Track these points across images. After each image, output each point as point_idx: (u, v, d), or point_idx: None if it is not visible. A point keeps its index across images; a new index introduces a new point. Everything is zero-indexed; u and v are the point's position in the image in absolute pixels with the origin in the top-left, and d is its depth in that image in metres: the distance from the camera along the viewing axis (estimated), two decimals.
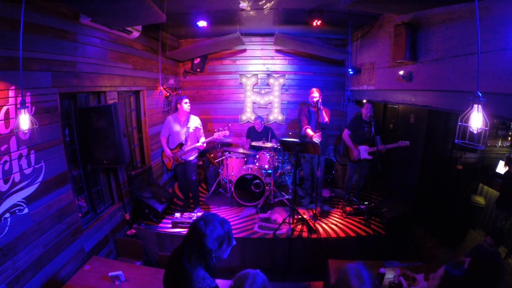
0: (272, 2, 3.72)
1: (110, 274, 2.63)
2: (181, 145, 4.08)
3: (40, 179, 2.48)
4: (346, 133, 4.54)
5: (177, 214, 3.97)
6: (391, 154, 4.93)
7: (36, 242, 2.42)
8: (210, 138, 4.21)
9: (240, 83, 6.11)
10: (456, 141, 1.89)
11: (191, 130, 4.10)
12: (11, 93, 2.20)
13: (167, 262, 1.64)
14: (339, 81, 6.03)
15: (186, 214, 3.99)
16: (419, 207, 4.19)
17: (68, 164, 2.90)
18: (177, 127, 4.10)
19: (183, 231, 3.82)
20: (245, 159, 5.00)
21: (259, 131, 5.27)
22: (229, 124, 5.92)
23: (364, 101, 4.66)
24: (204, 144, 4.14)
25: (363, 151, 4.36)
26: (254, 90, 6.11)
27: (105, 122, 3.00)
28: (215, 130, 4.42)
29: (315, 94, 4.14)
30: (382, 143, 4.29)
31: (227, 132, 4.20)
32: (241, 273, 1.30)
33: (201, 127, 4.26)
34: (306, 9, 3.96)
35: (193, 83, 6.21)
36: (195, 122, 4.16)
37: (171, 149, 4.15)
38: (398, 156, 4.90)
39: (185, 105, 4.01)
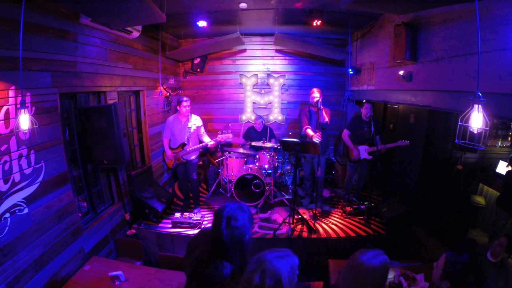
0: (272, 1, 3.71)
1: (110, 274, 2.63)
2: (183, 145, 4.08)
3: (40, 179, 2.48)
4: (345, 133, 4.53)
5: (177, 214, 3.97)
6: (391, 154, 4.93)
7: (36, 242, 2.42)
8: (214, 140, 4.16)
9: (240, 83, 6.11)
10: (456, 141, 1.89)
11: (192, 130, 4.10)
12: (11, 93, 2.20)
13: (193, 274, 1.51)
14: (339, 81, 6.03)
15: (186, 214, 3.99)
16: (419, 207, 4.19)
17: (68, 164, 2.90)
18: (178, 128, 4.09)
19: (183, 231, 3.82)
20: (245, 159, 5.01)
21: (259, 131, 5.27)
22: (229, 124, 5.94)
23: (364, 101, 4.66)
24: (213, 142, 4.10)
25: (363, 151, 4.37)
26: (254, 90, 6.11)
27: (105, 122, 3.00)
28: (218, 132, 4.39)
29: (316, 94, 4.14)
30: (382, 143, 4.29)
31: (230, 135, 4.15)
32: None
33: (202, 126, 4.25)
34: (306, 9, 3.96)
35: (193, 83, 6.21)
36: (196, 121, 4.15)
37: (173, 149, 4.14)
38: (398, 156, 4.90)
39: (184, 109, 3.98)
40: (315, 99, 4.09)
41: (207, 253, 1.48)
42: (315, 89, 4.21)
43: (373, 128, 4.04)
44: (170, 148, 4.16)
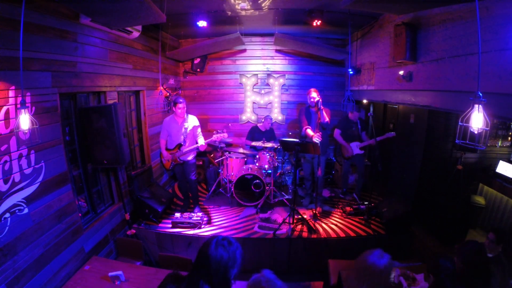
0: (272, 0, 3.71)
1: (110, 274, 2.63)
2: (179, 145, 4.07)
3: (40, 179, 2.48)
4: (337, 132, 4.80)
5: (177, 214, 3.97)
6: (391, 154, 4.93)
7: (36, 242, 2.42)
8: (209, 140, 4.15)
9: (240, 83, 6.11)
10: (456, 141, 1.89)
11: (188, 130, 4.07)
12: (11, 93, 2.20)
13: None
14: (339, 81, 6.03)
15: (186, 214, 3.99)
16: (419, 207, 4.18)
17: (68, 164, 2.90)
18: (174, 128, 4.08)
19: (183, 231, 3.82)
20: (245, 159, 5.00)
21: (263, 131, 5.27)
22: (229, 124, 5.93)
23: (350, 112, 4.77)
24: (205, 145, 4.11)
25: (355, 147, 4.65)
26: (254, 90, 6.11)
27: (105, 122, 3.00)
28: (214, 131, 4.40)
29: (313, 95, 4.15)
30: (368, 138, 4.67)
31: (225, 135, 4.16)
32: (253, 278, 1.34)
33: (199, 126, 4.21)
34: (306, 9, 3.96)
35: (193, 83, 6.20)
36: (192, 122, 4.12)
37: (169, 150, 4.13)
38: (398, 156, 4.91)
39: (179, 110, 3.97)
40: (314, 100, 4.09)
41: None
42: (312, 90, 4.23)
43: (360, 126, 4.53)
44: (167, 149, 4.14)
